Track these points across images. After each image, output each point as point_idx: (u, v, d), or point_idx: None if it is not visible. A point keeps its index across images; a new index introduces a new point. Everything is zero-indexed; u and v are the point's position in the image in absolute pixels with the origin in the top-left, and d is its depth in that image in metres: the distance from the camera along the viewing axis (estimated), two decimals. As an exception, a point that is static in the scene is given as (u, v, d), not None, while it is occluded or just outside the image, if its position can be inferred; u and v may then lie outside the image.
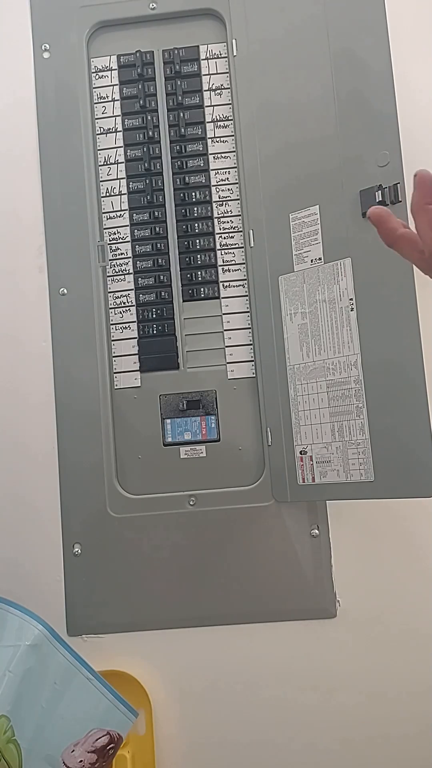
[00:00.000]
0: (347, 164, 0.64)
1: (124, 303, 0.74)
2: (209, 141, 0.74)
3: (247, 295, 0.72)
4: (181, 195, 0.74)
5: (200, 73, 0.74)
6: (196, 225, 0.73)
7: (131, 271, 0.74)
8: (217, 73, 0.74)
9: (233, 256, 0.73)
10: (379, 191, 0.61)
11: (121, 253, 0.74)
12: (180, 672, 0.69)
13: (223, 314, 0.73)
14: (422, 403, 0.59)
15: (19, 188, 0.76)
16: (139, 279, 0.74)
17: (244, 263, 0.72)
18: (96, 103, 0.76)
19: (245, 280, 0.72)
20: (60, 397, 0.73)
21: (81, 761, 0.62)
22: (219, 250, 0.73)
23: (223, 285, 0.73)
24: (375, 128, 0.62)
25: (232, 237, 0.73)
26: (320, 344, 0.65)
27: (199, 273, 0.73)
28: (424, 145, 0.72)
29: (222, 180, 0.74)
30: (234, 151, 0.73)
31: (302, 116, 0.67)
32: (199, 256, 0.73)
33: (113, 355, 0.73)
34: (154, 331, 0.73)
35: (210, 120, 0.74)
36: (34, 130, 0.76)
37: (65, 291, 0.73)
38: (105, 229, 0.75)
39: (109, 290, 0.74)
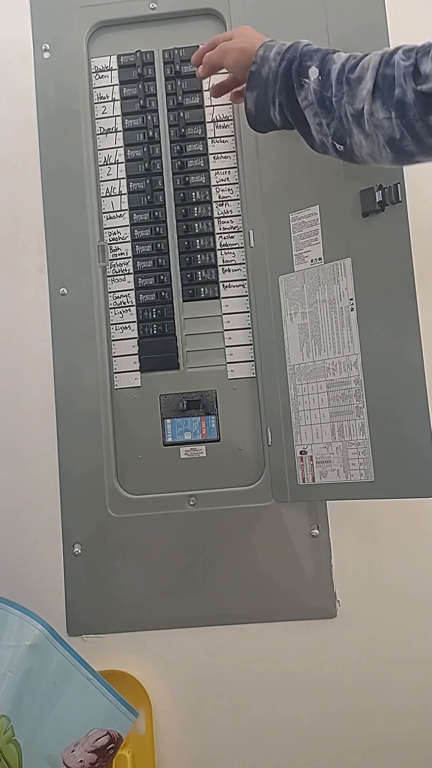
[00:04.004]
0: (347, 164, 0.63)
1: (124, 303, 0.74)
2: (209, 141, 0.74)
3: (247, 295, 0.72)
4: (181, 195, 0.74)
5: (200, 73, 0.74)
6: (196, 225, 0.73)
7: (131, 271, 0.74)
8: (216, 73, 0.74)
9: (233, 256, 0.73)
10: (379, 191, 0.61)
11: (121, 253, 0.74)
12: (180, 672, 0.69)
13: (223, 314, 0.73)
14: (422, 403, 0.59)
15: (19, 188, 0.76)
16: (139, 279, 0.74)
17: (244, 263, 0.72)
18: (96, 103, 0.76)
19: (245, 280, 0.72)
20: (60, 397, 0.73)
21: (81, 761, 0.62)
22: (219, 250, 0.73)
23: (223, 285, 0.73)
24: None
25: (232, 237, 0.73)
26: (320, 344, 0.65)
27: (199, 273, 0.73)
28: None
29: (222, 180, 0.74)
30: (234, 151, 0.73)
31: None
32: (199, 256, 0.73)
33: (113, 355, 0.73)
34: (154, 331, 0.73)
35: (210, 120, 0.74)
36: (34, 130, 0.76)
37: (65, 291, 0.73)
38: (105, 229, 0.75)
39: (109, 290, 0.74)
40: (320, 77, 0.56)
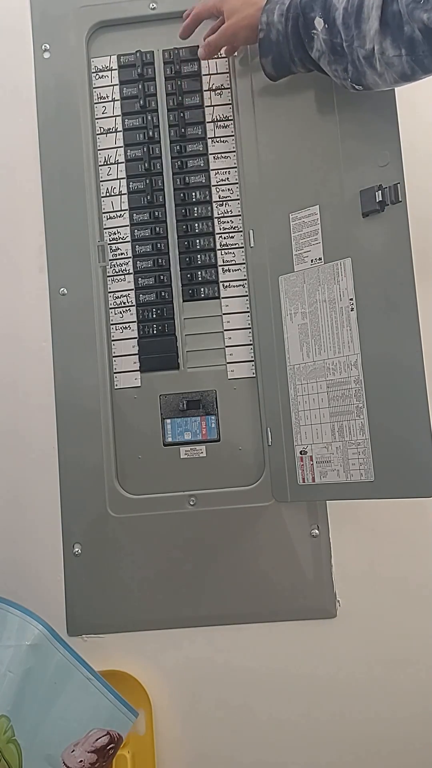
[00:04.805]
0: (347, 164, 0.64)
1: (124, 303, 0.74)
2: (209, 141, 0.74)
3: (247, 295, 0.72)
4: (181, 195, 0.74)
5: (200, 73, 0.74)
6: (196, 225, 0.73)
7: (131, 271, 0.74)
8: (217, 73, 0.74)
9: (233, 256, 0.73)
10: (379, 191, 0.61)
11: (121, 253, 0.74)
12: (180, 672, 0.69)
13: (223, 314, 0.73)
14: (422, 403, 0.59)
15: (19, 188, 0.76)
16: (139, 279, 0.74)
17: (244, 263, 0.72)
18: (96, 103, 0.76)
19: (245, 280, 0.72)
20: (60, 397, 0.73)
21: (81, 761, 0.62)
22: (219, 250, 0.73)
23: (223, 285, 0.73)
24: (375, 128, 0.62)
25: (232, 237, 0.73)
26: (320, 344, 0.65)
27: (199, 273, 0.73)
28: (424, 145, 0.72)
29: (222, 180, 0.74)
30: (234, 151, 0.73)
31: (302, 115, 0.67)
32: (199, 256, 0.73)
33: (113, 355, 0.73)
34: (154, 331, 0.73)
35: (210, 120, 0.74)
36: (34, 130, 0.76)
37: (65, 291, 0.73)
38: (105, 229, 0.75)
39: (109, 290, 0.74)
40: (326, 25, 0.57)
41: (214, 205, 0.74)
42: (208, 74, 0.74)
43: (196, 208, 0.73)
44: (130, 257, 0.74)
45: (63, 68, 0.76)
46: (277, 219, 0.68)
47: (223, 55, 0.72)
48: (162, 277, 0.73)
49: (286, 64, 0.63)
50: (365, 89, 0.59)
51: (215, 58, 0.74)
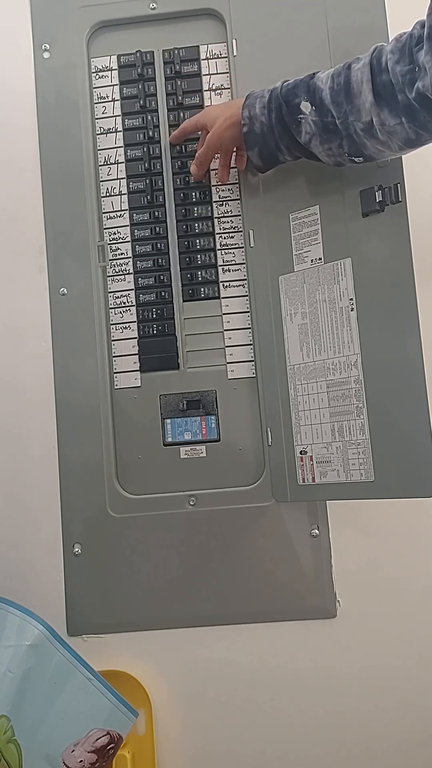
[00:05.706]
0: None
1: (124, 303, 0.74)
2: (209, 141, 0.74)
3: (247, 295, 0.72)
4: (181, 195, 0.74)
5: (200, 73, 0.74)
6: (196, 225, 0.73)
7: (131, 271, 0.74)
8: (217, 73, 0.74)
9: (233, 256, 0.73)
10: (379, 191, 0.61)
11: (121, 253, 0.74)
12: (180, 672, 0.69)
13: (223, 314, 0.73)
14: (422, 403, 0.59)
15: (19, 188, 0.76)
16: (139, 279, 0.74)
17: (244, 263, 0.72)
18: (96, 103, 0.76)
19: (245, 280, 0.72)
20: (60, 397, 0.73)
21: (81, 761, 0.62)
22: (219, 250, 0.73)
23: (223, 285, 0.73)
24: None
25: (232, 237, 0.73)
26: (320, 344, 0.65)
27: (199, 273, 0.73)
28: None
29: (222, 180, 0.74)
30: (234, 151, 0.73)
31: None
32: (199, 256, 0.73)
33: (113, 355, 0.73)
34: (154, 331, 0.73)
35: (210, 120, 0.74)
36: (35, 130, 0.76)
37: (65, 291, 0.73)
38: (105, 229, 0.75)
39: (109, 290, 0.74)
40: (314, 107, 0.57)
41: (214, 205, 0.74)
42: (208, 74, 0.74)
43: (196, 208, 0.73)
44: (130, 257, 0.74)
45: (63, 68, 0.76)
46: (277, 219, 0.68)
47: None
48: (162, 277, 0.73)
49: (272, 153, 0.63)
50: (367, 160, 0.58)
51: (215, 58, 0.74)
